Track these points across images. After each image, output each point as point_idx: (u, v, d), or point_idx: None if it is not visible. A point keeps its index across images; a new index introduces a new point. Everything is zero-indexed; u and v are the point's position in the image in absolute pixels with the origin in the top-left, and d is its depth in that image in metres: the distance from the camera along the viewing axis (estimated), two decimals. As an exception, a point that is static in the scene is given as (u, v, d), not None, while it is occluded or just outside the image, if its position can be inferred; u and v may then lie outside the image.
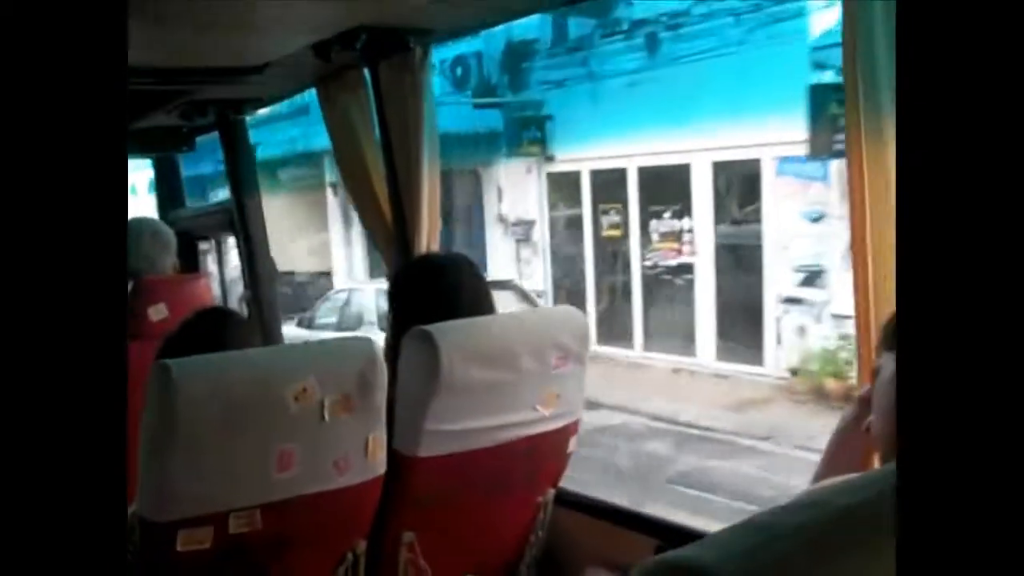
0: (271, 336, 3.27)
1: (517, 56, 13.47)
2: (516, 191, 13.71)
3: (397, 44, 2.35)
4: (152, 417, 1.63)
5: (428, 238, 2.48)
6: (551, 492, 2.16)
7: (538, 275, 13.53)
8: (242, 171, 3.31)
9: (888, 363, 1.38)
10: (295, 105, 12.02)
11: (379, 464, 1.86)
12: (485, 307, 2.10)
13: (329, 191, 16.03)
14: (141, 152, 3.84)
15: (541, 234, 13.58)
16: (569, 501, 2.23)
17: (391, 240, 2.57)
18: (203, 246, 3.78)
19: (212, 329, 1.98)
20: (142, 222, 3.20)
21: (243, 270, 3.39)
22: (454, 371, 1.85)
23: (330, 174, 15.16)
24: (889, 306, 1.51)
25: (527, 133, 13.18)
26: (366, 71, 2.54)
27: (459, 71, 13.94)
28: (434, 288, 2.09)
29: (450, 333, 1.87)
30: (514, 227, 13.78)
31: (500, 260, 13.67)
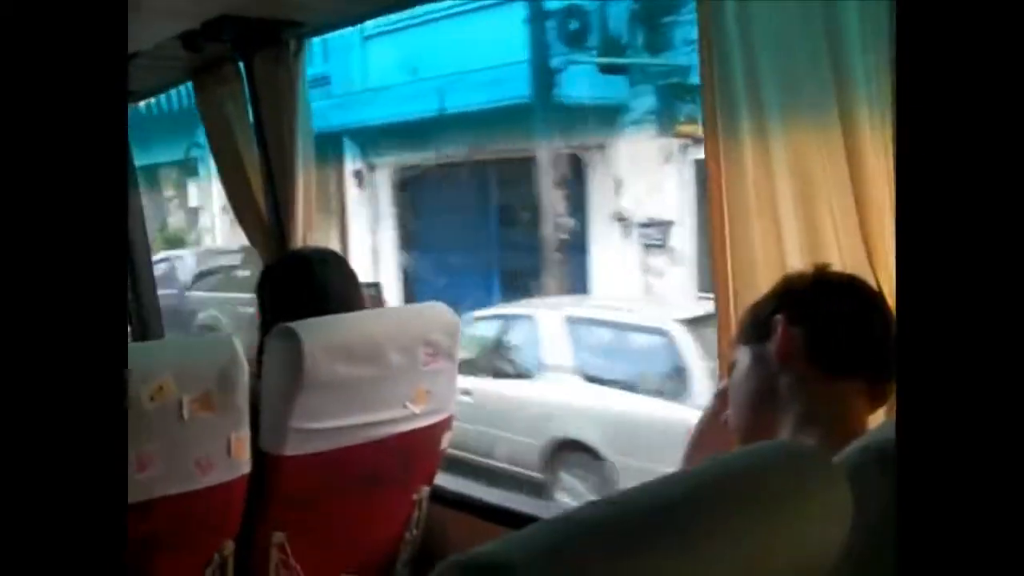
0: (149, 332, 3.20)
1: (655, 7, 9.78)
2: (644, 181, 9.78)
3: (269, 36, 2.31)
4: None
5: (303, 233, 2.45)
6: (425, 489, 2.15)
7: (676, 290, 9.38)
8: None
9: (743, 357, 1.40)
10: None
11: (243, 463, 1.82)
12: (355, 304, 2.08)
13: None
14: None
15: (685, 238, 9.41)
16: (444, 498, 2.22)
17: (267, 235, 2.53)
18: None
19: None
20: None
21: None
22: (319, 368, 1.83)
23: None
24: (745, 302, 1.53)
25: (682, 106, 9.32)
26: (240, 64, 2.49)
27: (573, 24, 10.19)
28: (302, 284, 2.06)
29: (315, 329, 1.85)
30: (642, 228, 9.80)
31: (615, 270, 9.94)
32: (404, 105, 10.87)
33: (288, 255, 2.34)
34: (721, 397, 1.51)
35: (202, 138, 2.57)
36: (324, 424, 1.89)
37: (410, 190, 12.37)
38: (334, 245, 12.55)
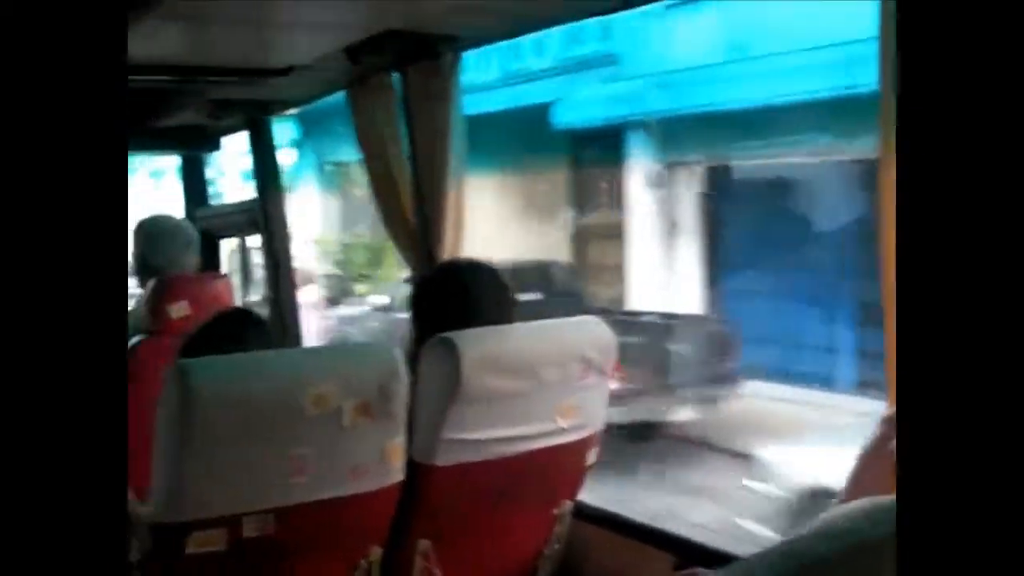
0: (291, 338, 3.27)
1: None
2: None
3: (426, 50, 2.34)
4: (168, 416, 1.62)
5: (452, 245, 2.47)
6: (568, 505, 2.14)
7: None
8: (267, 171, 3.31)
9: None
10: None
11: (396, 471, 1.84)
12: (507, 316, 2.09)
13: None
14: (168, 150, 3.86)
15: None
16: (587, 514, 2.21)
17: (415, 247, 2.56)
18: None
19: (233, 330, 1.97)
20: (165, 220, 3.21)
21: (266, 271, 3.38)
22: (474, 380, 1.84)
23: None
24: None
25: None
26: (395, 76, 2.53)
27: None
28: (457, 295, 2.08)
29: (471, 341, 1.86)
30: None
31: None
32: (722, 90, 9.01)
33: (442, 265, 2.36)
34: (888, 423, 1.46)
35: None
36: (475, 435, 1.90)
37: (726, 195, 10.29)
38: (607, 259, 11.28)
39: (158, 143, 3.65)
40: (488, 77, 11.28)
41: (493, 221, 10.96)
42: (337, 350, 1.99)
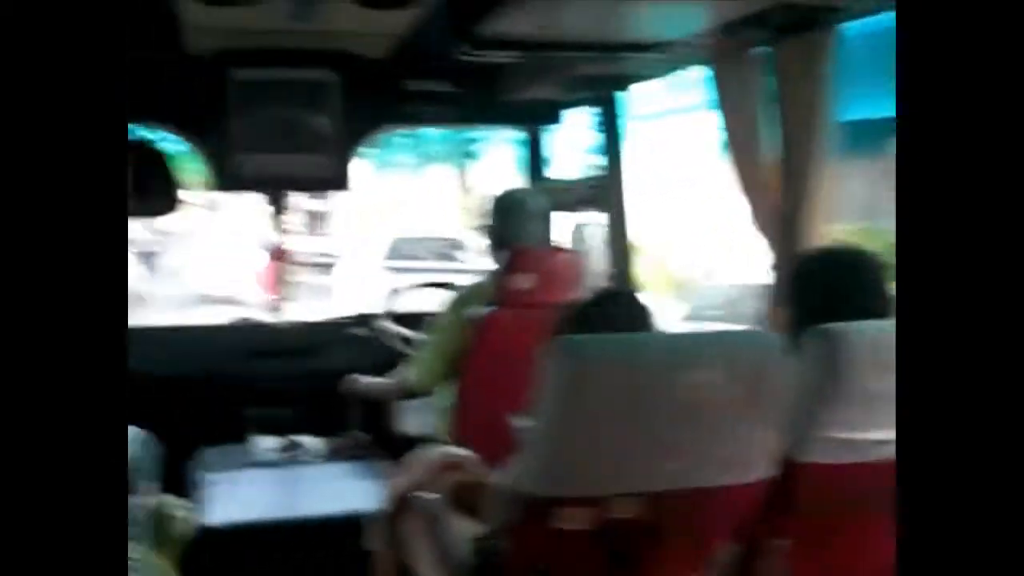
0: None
1: None
2: None
3: (805, 23, 2.21)
4: (551, 390, 1.62)
5: (820, 231, 2.34)
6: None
7: None
8: (614, 147, 3.30)
9: None
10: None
11: (767, 466, 1.76)
12: (882, 310, 1.94)
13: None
14: (513, 123, 3.93)
15: None
16: None
17: (780, 231, 2.44)
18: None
19: (614, 310, 1.95)
20: (519, 192, 3.27)
21: (609, 246, 3.38)
22: (857, 376, 1.72)
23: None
24: None
25: None
26: (765, 51, 2.42)
27: None
28: (838, 283, 1.96)
29: (858, 335, 1.74)
30: None
31: None
32: None
33: (821, 251, 2.23)
34: None
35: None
36: (850, 435, 1.78)
37: None
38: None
39: (501, 117, 3.72)
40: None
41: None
42: (716, 336, 1.92)
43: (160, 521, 2.56)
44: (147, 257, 16.62)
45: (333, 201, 17.24)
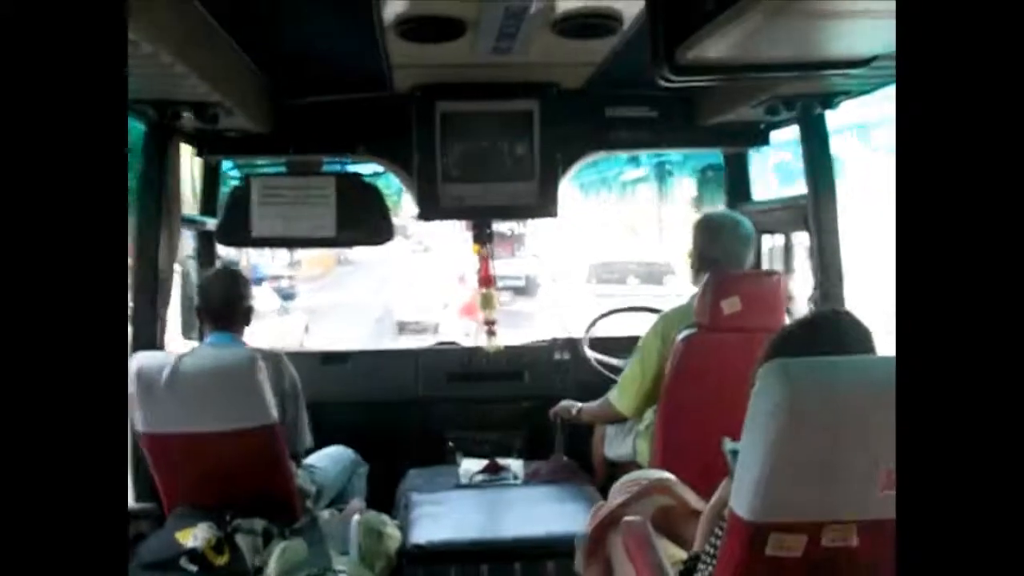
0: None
1: None
2: None
3: None
4: (761, 413, 1.61)
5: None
6: None
7: None
8: (819, 166, 3.21)
9: None
10: None
11: None
12: None
13: None
14: (710, 146, 3.90)
15: None
16: None
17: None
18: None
19: (831, 332, 1.89)
20: (725, 216, 3.25)
21: (814, 269, 3.29)
22: None
23: None
24: None
25: None
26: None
27: None
28: None
29: None
30: None
31: None
32: None
33: None
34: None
35: None
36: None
37: None
38: None
39: (705, 139, 3.69)
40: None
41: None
42: None
43: (368, 536, 2.67)
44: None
45: (531, 225, 17.47)
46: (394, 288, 18.55)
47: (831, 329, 1.87)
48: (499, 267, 3.91)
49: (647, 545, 2.07)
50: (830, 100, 2.98)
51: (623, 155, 7.70)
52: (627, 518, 2.20)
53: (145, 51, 2.03)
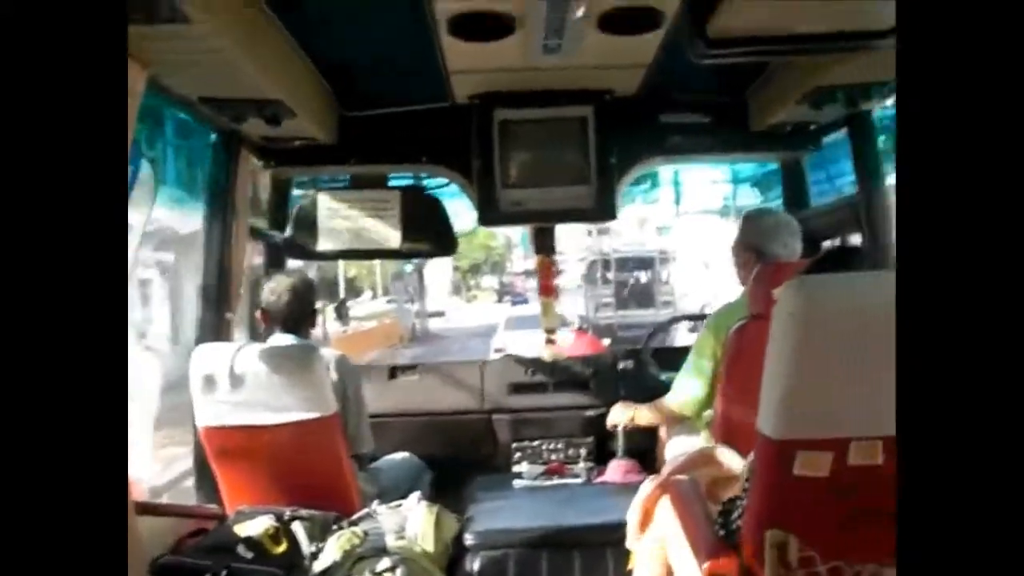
0: None
1: None
2: None
3: None
4: (782, 330, 1.62)
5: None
6: None
7: None
8: (868, 167, 3.22)
9: None
10: None
11: None
12: None
13: None
14: (764, 152, 3.90)
15: None
16: None
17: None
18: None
19: (841, 259, 1.93)
20: (772, 211, 3.29)
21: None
22: None
23: None
24: None
25: None
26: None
27: None
28: None
29: None
30: None
31: None
32: None
33: None
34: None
35: None
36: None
37: None
38: None
39: (759, 144, 3.70)
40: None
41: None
42: None
43: (426, 521, 2.69)
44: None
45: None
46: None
47: (843, 256, 1.90)
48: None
49: (693, 499, 2.09)
50: (872, 90, 2.98)
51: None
52: (675, 477, 2.22)
53: (210, 45, 2.14)
